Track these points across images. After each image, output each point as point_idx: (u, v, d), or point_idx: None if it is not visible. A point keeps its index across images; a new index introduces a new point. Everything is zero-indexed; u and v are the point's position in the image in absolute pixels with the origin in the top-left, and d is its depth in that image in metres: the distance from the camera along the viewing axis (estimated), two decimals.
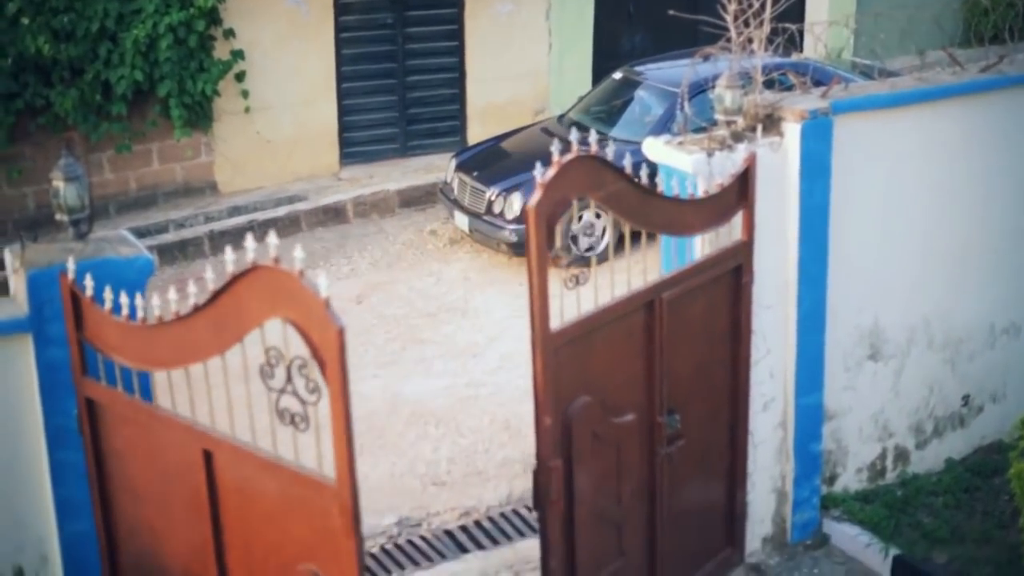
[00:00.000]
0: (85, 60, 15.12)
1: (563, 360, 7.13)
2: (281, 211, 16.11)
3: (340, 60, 17.19)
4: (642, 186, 7.40)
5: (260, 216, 15.97)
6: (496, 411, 11.62)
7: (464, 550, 9.60)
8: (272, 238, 5.44)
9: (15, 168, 15.27)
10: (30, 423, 6.74)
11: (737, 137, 8.53)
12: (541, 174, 6.71)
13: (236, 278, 5.72)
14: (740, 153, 8.38)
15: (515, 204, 14.39)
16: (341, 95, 17.27)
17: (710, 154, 8.29)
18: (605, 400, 7.55)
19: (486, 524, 9.91)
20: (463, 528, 9.89)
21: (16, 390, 6.71)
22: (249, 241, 5.62)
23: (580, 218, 13.84)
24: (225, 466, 6.17)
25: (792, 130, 8.67)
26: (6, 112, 14.86)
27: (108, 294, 6.40)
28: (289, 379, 5.66)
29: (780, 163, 8.68)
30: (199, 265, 14.91)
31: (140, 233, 14.45)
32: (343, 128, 17.38)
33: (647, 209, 7.51)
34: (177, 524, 6.45)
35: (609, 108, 15.87)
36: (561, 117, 16.16)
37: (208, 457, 6.20)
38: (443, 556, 9.52)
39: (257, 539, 6.17)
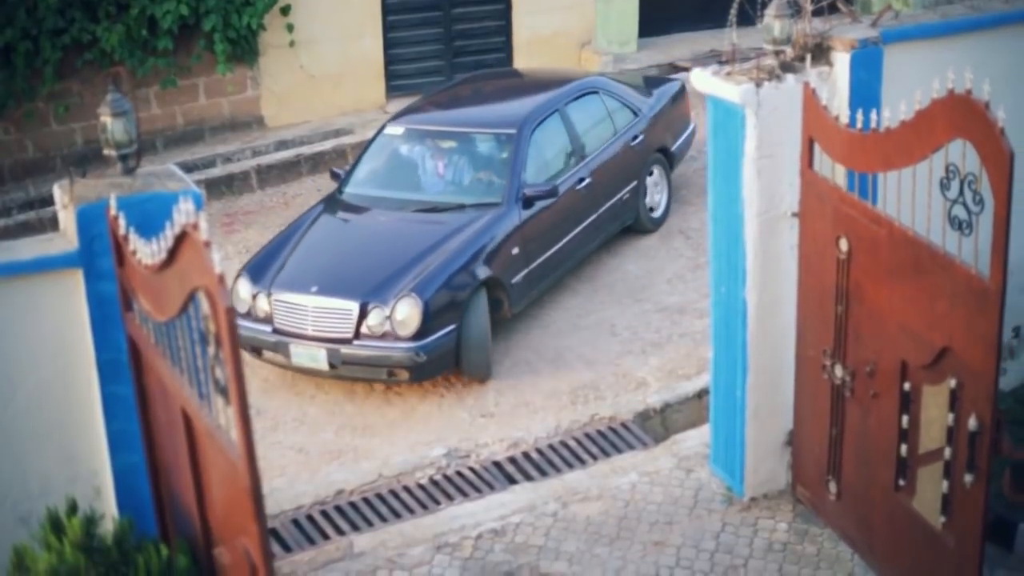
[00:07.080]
0: None
1: None
2: (328, 145, 16.12)
3: None
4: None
5: (307, 150, 16.02)
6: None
7: (512, 481, 9.66)
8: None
9: (63, 104, 15.34)
10: (81, 357, 6.79)
11: (786, 67, 8.44)
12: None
13: (179, 239, 5.43)
14: (789, 83, 8.30)
15: (405, 313, 10.57)
16: (387, 28, 17.21)
17: (759, 84, 8.21)
18: None
19: (534, 455, 9.96)
20: (511, 459, 9.94)
21: (67, 324, 6.75)
22: None
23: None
24: (196, 427, 6.03)
25: (841, 60, 8.56)
26: (53, 48, 14.90)
27: (133, 235, 6.20)
28: (217, 354, 5.31)
29: (829, 93, 8.59)
30: (247, 199, 14.99)
31: (188, 167, 14.50)
32: (389, 61, 17.33)
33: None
34: (182, 471, 6.41)
35: (399, 171, 12.66)
36: (337, 196, 12.48)
37: (186, 417, 6.10)
38: (491, 487, 9.57)
39: (217, 504, 6.04)
